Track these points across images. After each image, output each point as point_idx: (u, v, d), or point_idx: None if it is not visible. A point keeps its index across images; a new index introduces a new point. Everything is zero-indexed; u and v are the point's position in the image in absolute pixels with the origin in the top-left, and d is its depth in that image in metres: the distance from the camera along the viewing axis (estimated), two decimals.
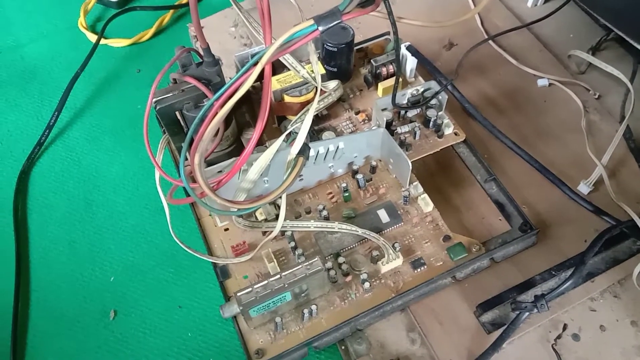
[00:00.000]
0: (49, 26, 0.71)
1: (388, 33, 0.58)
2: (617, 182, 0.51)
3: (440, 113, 0.51)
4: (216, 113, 0.36)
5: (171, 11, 0.71)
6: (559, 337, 0.44)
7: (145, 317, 0.49)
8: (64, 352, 0.47)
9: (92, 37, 0.68)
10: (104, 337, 0.48)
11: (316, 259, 0.42)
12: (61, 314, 0.49)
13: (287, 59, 0.45)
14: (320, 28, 0.33)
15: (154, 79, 0.42)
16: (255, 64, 0.35)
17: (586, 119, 0.56)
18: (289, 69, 0.48)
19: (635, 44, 0.50)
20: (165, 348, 0.47)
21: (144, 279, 0.51)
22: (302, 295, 0.43)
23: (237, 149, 0.50)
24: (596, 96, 0.58)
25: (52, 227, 0.54)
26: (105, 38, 0.68)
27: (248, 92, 0.52)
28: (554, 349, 0.44)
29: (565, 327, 0.45)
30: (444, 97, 0.50)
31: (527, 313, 0.43)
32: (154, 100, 0.43)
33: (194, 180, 0.39)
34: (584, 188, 0.51)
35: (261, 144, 0.50)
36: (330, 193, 0.50)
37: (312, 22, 0.33)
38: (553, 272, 0.46)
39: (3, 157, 0.59)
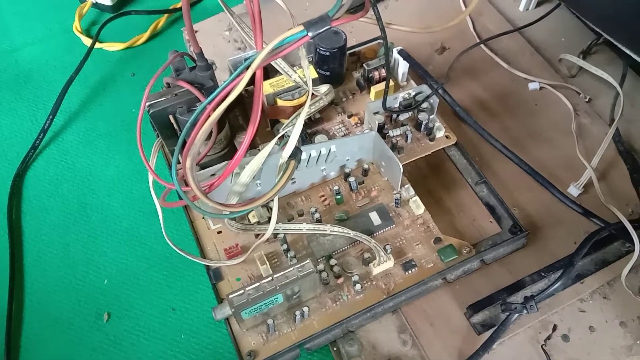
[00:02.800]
0: (44, 30, 0.71)
1: (381, 37, 0.59)
2: (607, 185, 0.52)
3: (431, 116, 0.52)
4: (208, 117, 0.36)
5: (166, 15, 0.71)
6: (548, 337, 0.45)
7: (139, 319, 0.49)
8: (57, 355, 0.47)
9: (87, 41, 0.68)
10: (98, 339, 0.48)
11: (308, 261, 0.42)
12: (55, 316, 0.49)
13: (279, 64, 0.45)
14: (310, 34, 0.33)
15: (148, 83, 0.43)
16: (247, 68, 0.35)
17: (576, 122, 0.56)
18: (281, 73, 0.48)
19: (625, 49, 0.51)
20: (159, 350, 0.47)
21: (138, 282, 0.51)
22: (294, 297, 0.43)
23: (230, 152, 0.50)
24: (586, 99, 0.58)
25: (46, 231, 0.54)
26: (100, 42, 0.68)
27: (241, 96, 0.53)
28: (543, 350, 0.44)
29: (555, 328, 0.45)
30: (435, 100, 0.51)
31: (517, 314, 0.44)
32: (147, 104, 0.44)
33: (187, 184, 0.39)
34: (573, 190, 0.51)
35: (254, 147, 0.51)
36: (323, 196, 0.50)
37: (302, 27, 0.33)
38: (542, 274, 0.46)
39: None
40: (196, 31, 0.66)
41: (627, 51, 0.50)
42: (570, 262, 0.45)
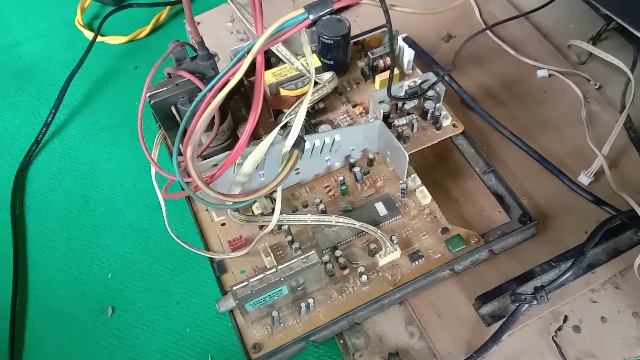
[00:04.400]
0: (46, 24, 0.71)
1: (385, 25, 0.58)
2: (618, 172, 0.51)
3: (438, 105, 0.51)
4: (208, 104, 0.35)
5: (168, 8, 0.70)
6: (559, 329, 0.44)
7: (143, 313, 0.48)
8: (61, 349, 0.47)
9: (89, 35, 0.68)
10: (102, 333, 0.48)
11: (312, 252, 0.41)
12: (59, 310, 0.49)
13: (281, 51, 0.44)
14: (311, 17, 0.33)
15: (149, 73, 0.42)
16: (248, 53, 0.34)
17: (586, 109, 0.55)
18: (284, 62, 0.47)
19: (636, 33, 0.50)
20: (163, 344, 0.47)
21: (142, 276, 0.50)
22: (299, 288, 0.42)
23: (233, 143, 0.49)
24: (596, 86, 0.57)
25: (50, 225, 0.54)
26: (102, 35, 0.68)
27: (244, 86, 0.52)
28: (554, 341, 0.43)
29: (565, 318, 0.44)
30: (441, 88, 0.50)
31: (527, 305, 0.43)
32: (148, 94, 0.43)
33: (189, 174, 0.39)
34: (584, 179, 0.50)
35: (257, 138, 0.50)
36: (328, 186, 0.49)
37: (302, 10, 0.32)
38: (553, 264, 0.45)
39: (0, 155, 0.59)
40: (198, 23, 0.66)
41: (639, 35, 0.49)
42: (581, 251, 0.44)
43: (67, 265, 0.51)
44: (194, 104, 0.35)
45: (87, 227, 0.54)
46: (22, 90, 0.64)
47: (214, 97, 0.34)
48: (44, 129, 0.60)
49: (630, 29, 0.50)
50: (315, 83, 0.48)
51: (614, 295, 0.45)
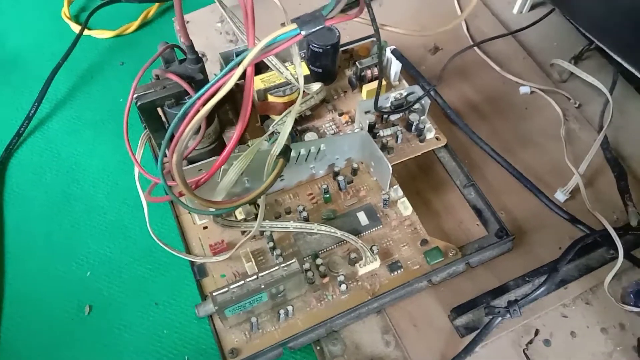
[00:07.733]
0: (32, 15, 0.69)
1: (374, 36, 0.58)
2: (593, 191, 0.52)
3: (422, 117, 0.51)
4: (197, 111, 0.35)
5: (157, 4, 0.70)
6: (530, 342, 0.45)
7: (121, 313, 0.48)
8: (38, 347, 0.47)
9: (76, 28, 0.67)
10: (79, 332, 0.47)
11: (294, 260, 0.42)
12: (36, 307, 0.48)
13: (271, 60, 0.45)
14: (303, 32, 0.33)
15: (137, 72, 0.42)
16: (239, 64, 0.35)
17: (565, 128, 0.56)
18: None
19: (615, 56, 0.51)
20: (141, 344, 0.47)
21: (121, 275, 0.50)
22: (279, 295, 0.43)
23: (219, 146, 0.50)
24: (576, 105, 0.58)
25: (29, 220, 0.53)
26: (89, 29, 0.67)
27: (232, 91, 0.52)
28: (525, 354, 0.44)
29: (537, 332, 0.45)
30: (426, 102, 0.51)
31: (500, 318, 0.44)
32: (135, 95, 0.43)
33: (174, 180, 0.39)
34: (560, 196, 0.52)
35: (243, 142, 0.50)
36: (311, 194, 0.50)
37: (295, 25, 0.33)
38: (527, 278, 0.47)
39: None
40: (187, 22, 0.65)
41: (618, 58, 0.50)
42: (554, 267, 0.45)
43: (46, 262, 0.51)
44: (182, 109, 0.35)
45: (66, 223, 0.53)
46: (5, 82, 0.63)
47: (203, 104, 0.35)
48: (26, 122, 0.59)
49: (609, 52, 0.52)
50: (304, 93, 0.48)
51: (584, 310, 0.47)
